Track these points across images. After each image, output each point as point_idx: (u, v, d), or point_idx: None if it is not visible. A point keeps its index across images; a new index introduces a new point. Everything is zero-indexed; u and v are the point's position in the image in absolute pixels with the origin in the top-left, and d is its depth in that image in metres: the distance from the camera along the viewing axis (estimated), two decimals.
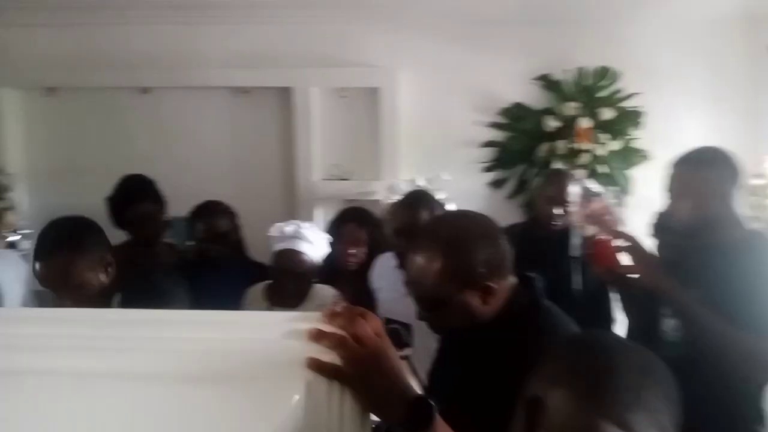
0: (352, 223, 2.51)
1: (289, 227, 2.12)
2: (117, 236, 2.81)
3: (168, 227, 3.25)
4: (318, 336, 0.92)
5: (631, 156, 3.52)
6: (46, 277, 1.70)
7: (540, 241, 2.65)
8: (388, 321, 2.16)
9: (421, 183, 3.25)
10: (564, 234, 2.57)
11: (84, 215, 1.92)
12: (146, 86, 3.59)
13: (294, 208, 3.50)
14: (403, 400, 0.92)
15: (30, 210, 3.61)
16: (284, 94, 3.56)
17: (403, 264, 2.09)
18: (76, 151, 3.65)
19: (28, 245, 3.42)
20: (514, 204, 3.56)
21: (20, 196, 3.57)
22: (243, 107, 3.61)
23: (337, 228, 2.50)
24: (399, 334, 2.11)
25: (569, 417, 0.74)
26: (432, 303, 1.25)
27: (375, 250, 2.52)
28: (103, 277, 1.75)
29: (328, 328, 0.96)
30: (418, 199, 2.09)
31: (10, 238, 3.35)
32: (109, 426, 0.86)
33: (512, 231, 2.75)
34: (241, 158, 3.62)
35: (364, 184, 3.46)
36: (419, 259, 1.25)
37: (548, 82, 3.54)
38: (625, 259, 1.82)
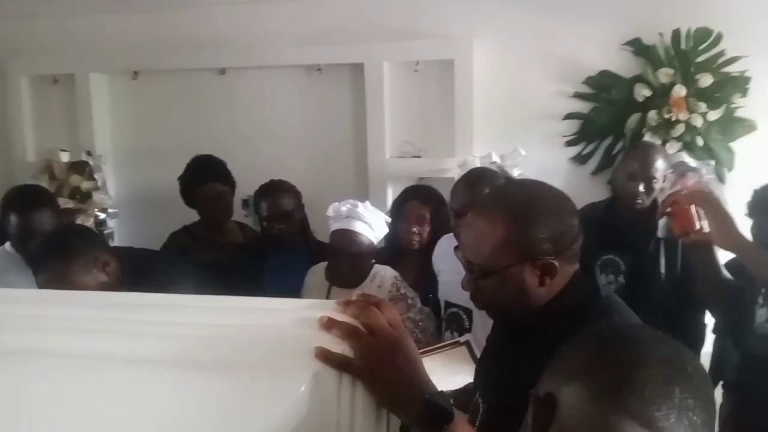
0: (416, 201, 2.41)
1: (344, 207, 2.06)
2: (190, 215, 2.88)
3: (246, 206, 3.32)
4: (329, 325, 0.86)
5: (733, 126, 3.16)
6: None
7: (622, 222, 2.45)
8: (448, 305, 2.07)
9: (496, 159, 3.09)
10: (649, 214, 2.35)
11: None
12: (223, 67, 3.63)
13: (365, 187, 3.43)
14: (417, 396, 0.84)
15: (116, 189, 3.78)
16: (356, 70, 3.48)
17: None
18: (157, 132, 3.77)
19: (115, 224, 3.59)
20: (599, 181, 3.31)
21: (107, 176, 3.74)
22: (315, 85, 3.57)
23: (400, 206, 2.42)
24: (459, 318, 2.01)
25: (583, 415, 0.63)
26: (483, 271, 1.13)
27: (440, 230, 2.42)
28: (102, 277, 1.76)
29: (341, 317, 0.90)
30: (479, 177, 1.96)
31: (100, 217, 3.52)
32: (113, 409, 0.83)
33: (591, 211, 2.57)
34: (312, 137, 3.60)
35: (437, 161, 3.34)
36: (479, 221, 1.14)
37: (639, 48, 3.23)
38: (704, 221, 1.65)
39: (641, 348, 0.67)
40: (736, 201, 2.36)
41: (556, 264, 1.11)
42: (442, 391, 0.88)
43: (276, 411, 0.81)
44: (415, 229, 2.36)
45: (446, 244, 2.14)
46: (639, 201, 2.37)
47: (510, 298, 1.14)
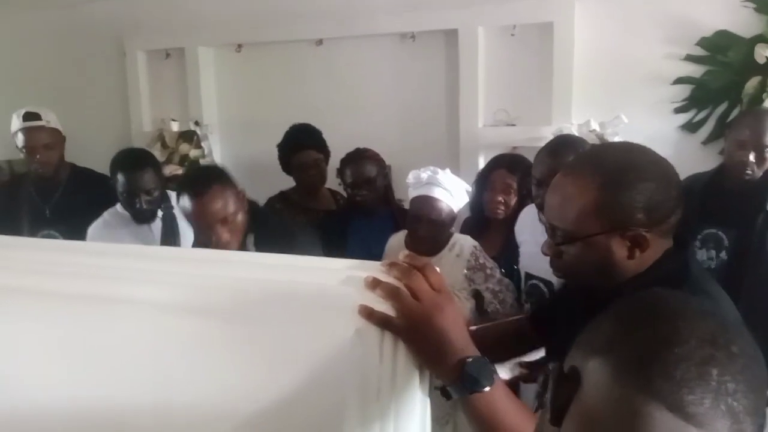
0: (502, 169, 2.35)
1: (425, 174, 2.04)
2: (288, 182, 2.99)
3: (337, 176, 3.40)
4: (373, 284, 0.88)
5: None
6: (203, 211, 1.80)
7: (729, 194, 2.26)
8: (529, 276, 2.01)
9: (595, 127, 2.93)
10: (760, 186, 2.15)
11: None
12: (320, 38, 3.69)
13: (456, 157, 3.38)
14: (454, 359, 0.84)
15: (221, 157, 3.98)
16: (450, 36, 3.41)
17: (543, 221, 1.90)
18: (259, 103, 3.92)
19: None
20: (711, 151, 3.06)
21: (213, 145, 3.94)
22: (409, 53, 3.54)
23: (486, 175, 2.37)
24: (539, 290, 1.95)
25: (605, 395, 0.57)
26: (567, 237, 1.06)
27: (527, 199, 2.35)
28: (244, 215, 1.85)
29: (385, 278, 0.91)
30: (563, 145, 1.87)
31: None
32: (156, 355, 0.89)
33: (695, 181, 2.39)
34: (406, 106, 3.59)
35: (532, 129, 3.22)
36: (568, 183, 1.07)
37: (762, 4, 2.92)
38: None
39: (678, 322, 0.59)
40: None
41: (648, 237, 1.03)
42: (483, 357, 0.87)
43: (319, 364, 0.84)
44: (500, 198, 2.31)
45: (529, 214, 2.08)
46: (749, 172, 2.17)
47: (593, 267, 1.07)
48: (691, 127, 3.13)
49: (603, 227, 1.02)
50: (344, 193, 3.06)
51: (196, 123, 3.90)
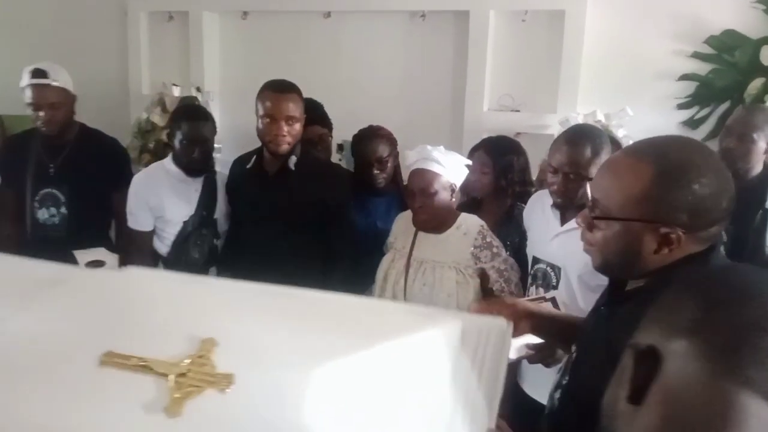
0: (480, 150, 2.44)
1: (419, 149, 2.06)
2: None
3: (340, 150, 3.39)
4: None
5: None
6: (278, 104, 2.21)
7: None
8: (536, 260, 2.04)
9: (600, 117, 2.96)
10: (757, 182, 2.20)
11: None
12: (328, 10, 3.66)
13: (459, 139, 3.39)
14: None
15: (221, 125, 3.92)
16: (461, 18, 3.41)
17: (560, 204, 1.93)
18: (263, 72, 3.80)
19: (219, 158, 3.76)
20: (711, 147, 3.10)
21: (213, 112, 3.89)
22: (418, 32, 3.53)
23: (470, 158, 2.40)
24: (547, 275, 1.98)
25: (693, 379, 0.55)
26: (606, 213, 1.06)
27: (502, 179, 2.42)
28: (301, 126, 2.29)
29: None
30: (581, 135, 1.88)
31: None
32: None
33: None
34: (411, 85, 3.59)
35: (536, 116, 3.25)
36: (624, 164, 1.06)
37: None
38: None
39: (765, 304, 0.56)
40: None
41: (683, 238, 1.02)
42: None
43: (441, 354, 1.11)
44: (476, 179, 2.37)
45: (539, 199, 2.10)
46: (740, 164, 2.23)
47: (620, 250, 1.07)
48: (692, 124, 3.17)
49: (643, 216, 1.02)
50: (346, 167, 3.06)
51: (198, 89, 3.85)
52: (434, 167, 2.04)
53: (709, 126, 3.14)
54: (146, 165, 3.10)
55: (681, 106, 3.16)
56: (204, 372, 0.96)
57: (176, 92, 3.81)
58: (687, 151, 1.04)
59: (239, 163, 2.44)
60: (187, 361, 0.97)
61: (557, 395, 1.22)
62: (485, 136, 3.31)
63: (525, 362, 1.71)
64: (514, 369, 2.06)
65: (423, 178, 2.04)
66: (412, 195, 2.06)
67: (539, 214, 2.07)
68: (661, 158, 1.02)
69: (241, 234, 2.40)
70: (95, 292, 1.22)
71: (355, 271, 2.35)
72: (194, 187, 2.43)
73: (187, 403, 0.90)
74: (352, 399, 0.95)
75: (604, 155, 1.86)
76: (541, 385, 1.90)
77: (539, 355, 1.71)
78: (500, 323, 1.22)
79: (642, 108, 3.04)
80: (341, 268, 2.28)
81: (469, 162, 2.18)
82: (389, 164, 2.47)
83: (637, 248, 1.05)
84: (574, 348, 1.23)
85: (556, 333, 1.35)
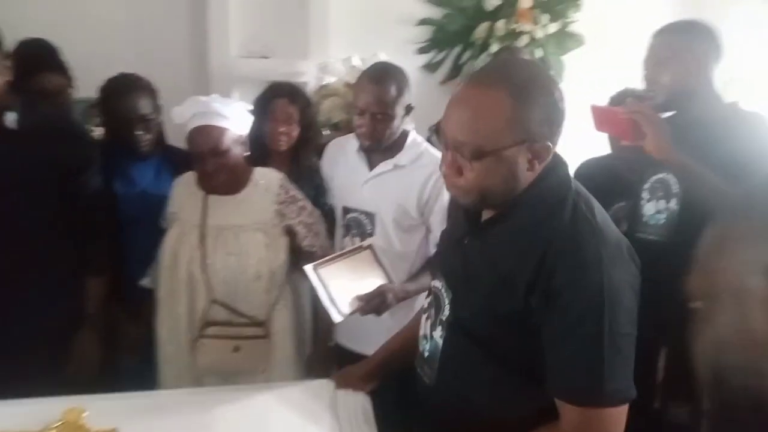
0: (283, 99, 2.20)
1: (193, 104, 1.78)
2: None
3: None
4: None
5: (566, 40, 3.39)
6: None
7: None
8: (347, 210, 1.95)
9: (358, 63, 2.95)
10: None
11: None
12: None
13: (206, 90, 3.04)
14: None
15: None
16: None
17: (369, 148, 1.85)
18: None
19: None
20: (447, 91, 3.34)
21: None
22: None
23: (265, 105, 2.18)
24: (361, 223, 1.91)
25: None
26: (477, 152, 1.03)
27: (309, 130, 2.26)
28: None
29: None
30: (385, 73, 1.82)
31: None
32: None
33: None
34: (140, 28, 3.09)
35: (290, 63, 3.09)
36: (480, 98, 1.04)
37: None
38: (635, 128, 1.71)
39: None
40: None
41: (551, 147, 1.06)
42: None
43: None
44: (283, 129, 2.17)
45: (339, 147, 2.00)
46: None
47: (499, 181, 1.06)
48: (431, 68, 3.37)
49: (515, 140, 1.03)
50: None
51: None
52: (219, 121, 1.76)
53: (445, 69, 3.37)
54: None
55: (421, 51, 3.32)
56: None
57: None
58: (524, 69, 1.10)
59: None
60: None
61: (439, 333, 1.18)
62: (236, 86, 3.08)
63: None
64: (331, 331, 1.97)
65: (209, 135, 1.75)
66: (201, 157, 1.77)
67: (342, 162, 1.97)
68: (509, 82, 1.04)
69: None
70: None
71: (123, 253, 1.98)
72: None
73: None
74: None
75: (407, 93, 1.84)
76: (359, 336, 1.87)
77: (370, 306, 1.68)
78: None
79: (392, 53, 3.09)
80: (101, 251, 1.90)
81: (250, 107, 1.94)
82: (154, 122, 2.08)
83: (515, 172, 1.06)
84: (440, 286, 1.20)
85: (400, 355, 1.43)
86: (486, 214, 1.16)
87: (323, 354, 1.94)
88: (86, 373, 1.83)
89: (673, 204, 1.80)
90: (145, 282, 1.96)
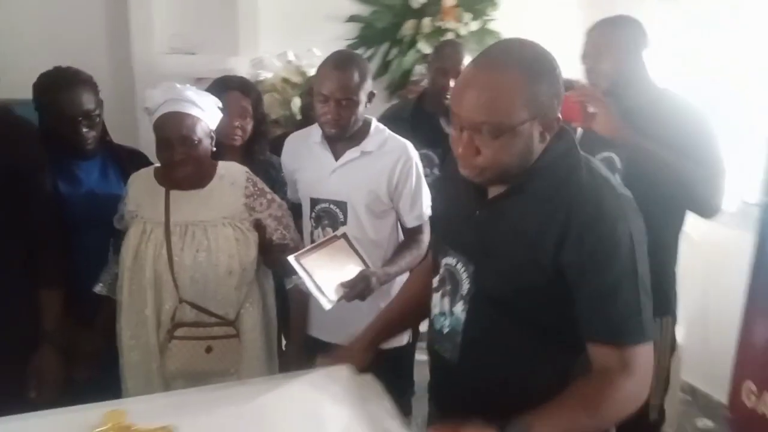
0: (236, 92, 2.12)
1: (165, 87, 1.70)
2: None
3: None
4: None
5: (485, 38, 3.53)
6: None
7: (434, 117, 2.54)
8: (316, 201, 1.93)
9: (292, 58, 2.91)
10: None
11: None
12: None
13: (131, 88, 2.92)
14: None
15: None
16: None
17: (334, 135, 1.84)
18: None
19: None
20: (377, 86, 3.37)
21: None
22: None
23: (216, 98, 2.11)
24: (332, 213, 1.89)
25: None
26: (496, 130, 1.08)
27: (261, 124, 2.22)
28: None
29: None
30: (349, 59, 1.81)
31: None
32: None
33: (400, 110, 2.63)
34: (55, 26, 2.88)
35: (218, 59, 2.99)
36: (495, 77, 1.08)
37: None
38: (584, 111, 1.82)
39: None
40: None
41: (560, 118, 1.13)
42: None
43: None
44: (237, 123, 2.10)
45: (301, 139, 1.97)
46: (448, 96, 2.49)
47: (516, 155, 1.11)
48: None
49: (530, 115, 1.09)
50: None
51: None
52: (192, 110, 1.68)
53: (373, 66, 3.40)
54: None
55: (350, 48, 3.32)
56: None
57: None
58: (528, 49, 1.15)
59: None
60: None
61: (460, 308, 1.21)
62: (164, 81, 2.94)
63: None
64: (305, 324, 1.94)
65: (182, 123, 1.66)
66: (169, 145, 1.68)
67: (306, 154, 1.94)
68: (519, 62, 1.10)
69: None
70: None
71: (74, 258, 1.84)
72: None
73: None
74: None
75: (369, 79, 1.85)
76: (330, 327, 1.85)
77: (354, 292, 1.67)
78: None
79: (323, 49, 3.08)
80: (53, 259, 1.76)
81: (220, 103, 1.87)
82: (98, 118, 1.94)
83: (529, 145, 1.12)
84: (453, 262, 1.23)
85: (398, 323, 1.48)
86: (494, 190, 1.20)
87: (299, 346, 1.90)
88: (49, 395, 1.68)
89: (617, 179, 1.97)
90: (98, 288, 1.84)
